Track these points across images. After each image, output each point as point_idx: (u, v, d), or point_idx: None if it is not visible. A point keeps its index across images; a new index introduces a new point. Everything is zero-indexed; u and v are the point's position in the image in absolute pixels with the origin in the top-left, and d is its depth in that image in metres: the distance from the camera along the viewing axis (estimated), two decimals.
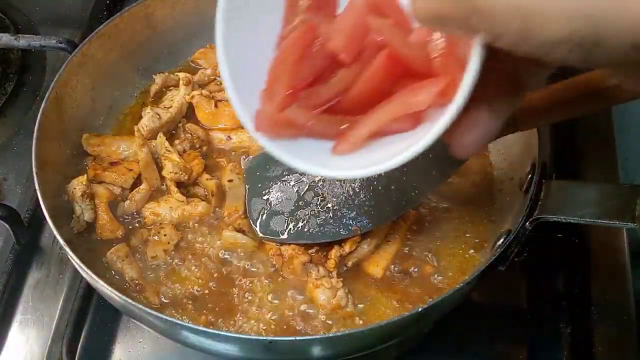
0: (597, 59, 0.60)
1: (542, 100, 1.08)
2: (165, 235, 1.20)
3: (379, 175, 1.18)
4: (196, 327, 0.99)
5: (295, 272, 1.16)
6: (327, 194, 1.20)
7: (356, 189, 1.19)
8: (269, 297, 1.14)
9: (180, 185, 1.26)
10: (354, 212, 1.18)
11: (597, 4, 0.56)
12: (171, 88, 1.43)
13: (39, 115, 1.20)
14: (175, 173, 1.25)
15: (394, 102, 0.75)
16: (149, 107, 1.36)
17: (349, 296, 1.13)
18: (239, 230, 1.20)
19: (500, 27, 0.59)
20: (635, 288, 1.23)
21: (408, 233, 1.21)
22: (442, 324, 1.12)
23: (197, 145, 1.32)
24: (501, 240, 1.11)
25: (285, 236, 1.18)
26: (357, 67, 0.78)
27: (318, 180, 1.22)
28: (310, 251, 1.18)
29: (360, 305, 1.14)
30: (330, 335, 1.00)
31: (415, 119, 0.75)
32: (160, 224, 1.22)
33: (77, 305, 1.23)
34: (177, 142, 1.32)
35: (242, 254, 1.19)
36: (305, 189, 1.22)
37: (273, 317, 1.12)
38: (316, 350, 1.00)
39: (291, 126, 0.80)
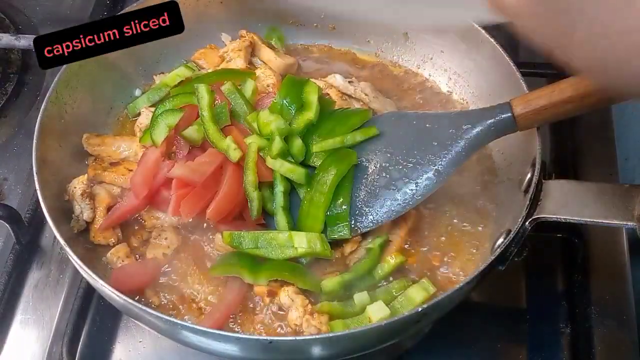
0: None
1: (541, 100, 1.09)
2: (165, 239, 1.20)
3: (379, 174, 1.18)
4: (196, 327, 0.99)
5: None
6: None
7: (356, 188, 1.19)
8: (269, 300, 1.14)
9: None
10: (355, 212, 1.18)
11: None
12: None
13: (39, 116, 1.20)
14: None
15: None
16: (146, 106, 1.35)
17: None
18: None
19: None
20: (635, 288, 1.23)
21: (408, 232, 1.21)
22: (442, 324, 1.12)
23: None
24: (501, 240, 1.11)
25: None
26: None
27: None
28: None
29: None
30: (330, 335, 1.00)
31: None
32: (161, 226, 1.22)
33: (77, 305, 1.23)
34: None
35: None
36: None
37: (274, 318, 1.12)
38: (316, 350, 1.00)
39: None
